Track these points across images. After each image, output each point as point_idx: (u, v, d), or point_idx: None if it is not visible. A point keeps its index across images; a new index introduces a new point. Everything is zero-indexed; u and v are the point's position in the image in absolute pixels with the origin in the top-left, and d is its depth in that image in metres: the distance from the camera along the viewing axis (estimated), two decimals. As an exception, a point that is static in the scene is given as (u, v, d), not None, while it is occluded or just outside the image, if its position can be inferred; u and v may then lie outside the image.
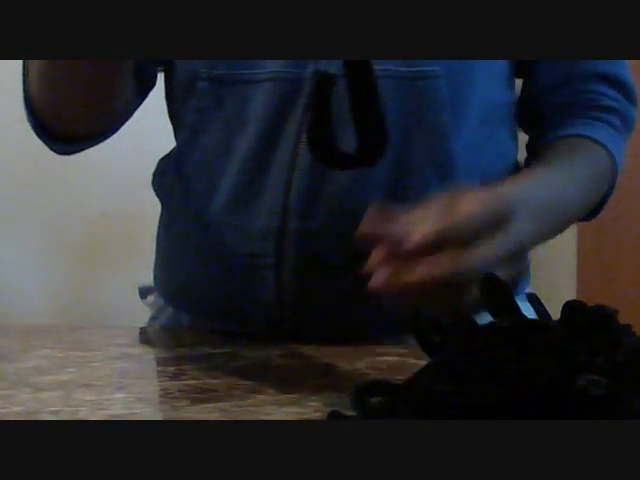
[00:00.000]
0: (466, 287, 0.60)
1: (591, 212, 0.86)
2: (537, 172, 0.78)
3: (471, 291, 0.59)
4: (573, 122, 0.82)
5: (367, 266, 0.61)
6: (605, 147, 0.81)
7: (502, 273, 0.60)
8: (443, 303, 0.61)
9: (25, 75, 0.82)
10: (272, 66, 0.75)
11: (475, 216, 0.61)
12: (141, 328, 0.87)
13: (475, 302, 0.60)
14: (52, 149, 0.85)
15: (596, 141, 0.81)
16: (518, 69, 0.85)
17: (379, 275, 0.60)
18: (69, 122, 0.82)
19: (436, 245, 0.59)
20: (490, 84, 0.79)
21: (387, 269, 0.60)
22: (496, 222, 0.61)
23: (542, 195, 0.71)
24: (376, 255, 0.61)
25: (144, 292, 0.94)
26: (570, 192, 0.76)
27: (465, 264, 0.59)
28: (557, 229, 0.77)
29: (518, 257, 0.65)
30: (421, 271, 0.59)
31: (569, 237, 2.25)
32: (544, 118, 0.85)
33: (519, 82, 0.87)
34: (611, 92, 0.84)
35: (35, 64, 0.77)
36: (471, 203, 0.61)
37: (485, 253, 0.60)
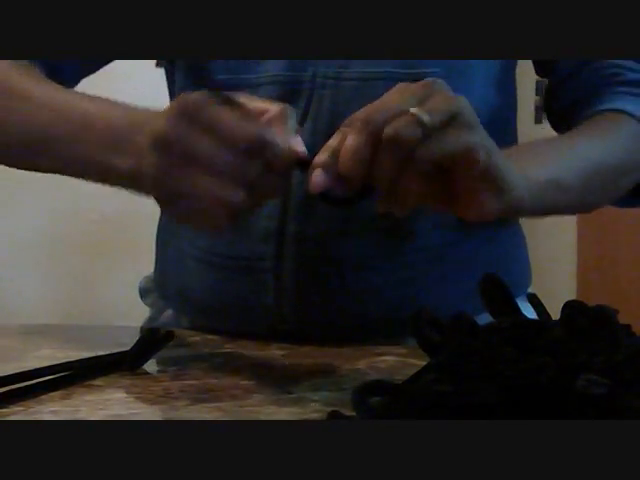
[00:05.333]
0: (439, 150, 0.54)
1: (630, 197, 0.81)
2: (552, 140, 0.73)
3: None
4: (597, 101, 0.79)
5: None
6: (630, 114, 0.77)
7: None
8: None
9: None
10: (271, 69, 0.75)
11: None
12: (141, 328, 0.87)
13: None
14: None
15: (623, 112, 0.77)
16: (540, 68, 0.84)
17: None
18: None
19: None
20: (487, 87, 0.79)
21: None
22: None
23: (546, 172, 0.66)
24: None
25: (144, 292, 0.94)
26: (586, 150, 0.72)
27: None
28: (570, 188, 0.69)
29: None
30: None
31: (569, 237, 2.24)
32: (570, 105, 0.82)
33: (520, 84, 0.86)
34: (633, 64, 0.80)
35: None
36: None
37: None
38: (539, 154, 0.69)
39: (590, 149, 0.73)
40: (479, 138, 0.55)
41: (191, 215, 0.57)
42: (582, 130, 0.75)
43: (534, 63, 0.85)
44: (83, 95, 0.69)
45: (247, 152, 0.54)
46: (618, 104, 0.77)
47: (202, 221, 0.57)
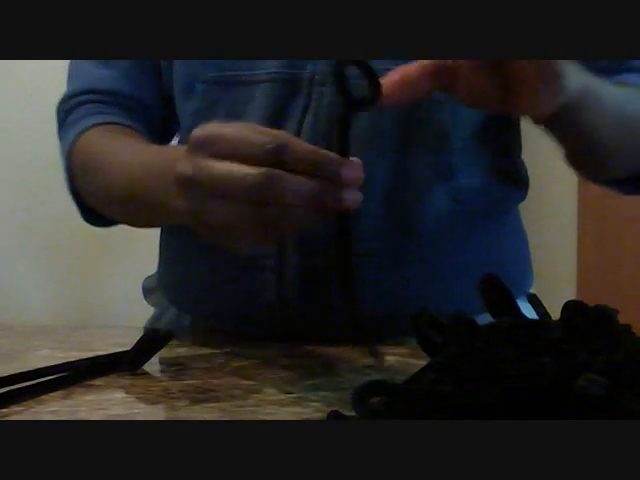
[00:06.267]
0: None
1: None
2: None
3: None
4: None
5: None
6: None
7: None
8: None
9: (70, 177, 0.85)
10: (270, 67, 0.75)
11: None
12: (145, 328, 0.87)
13: None
14: (86, 220, 0.88)
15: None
16: None
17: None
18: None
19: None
20: None
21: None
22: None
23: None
24: None
25: (148, 292, 0.94)
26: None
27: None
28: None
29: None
30: None
31: (569, 237, 2.24)
32: None
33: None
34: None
35: (93, 188, 0.82)
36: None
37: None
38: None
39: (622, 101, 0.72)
40: None
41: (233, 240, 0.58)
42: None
43: None
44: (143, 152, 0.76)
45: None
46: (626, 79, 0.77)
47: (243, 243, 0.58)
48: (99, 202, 0.82)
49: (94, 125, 0.83)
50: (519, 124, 0.86)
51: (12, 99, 2.16)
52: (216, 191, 0.54)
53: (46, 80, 1.88)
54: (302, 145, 0.54)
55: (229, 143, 0.54)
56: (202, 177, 0.54)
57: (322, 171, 0.53)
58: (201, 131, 0.56)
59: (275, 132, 0.55)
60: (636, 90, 0.75)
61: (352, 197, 0.54)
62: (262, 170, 0.52)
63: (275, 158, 0.53)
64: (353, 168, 0.54)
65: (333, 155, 0.54)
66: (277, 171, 0.53)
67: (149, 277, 0.95)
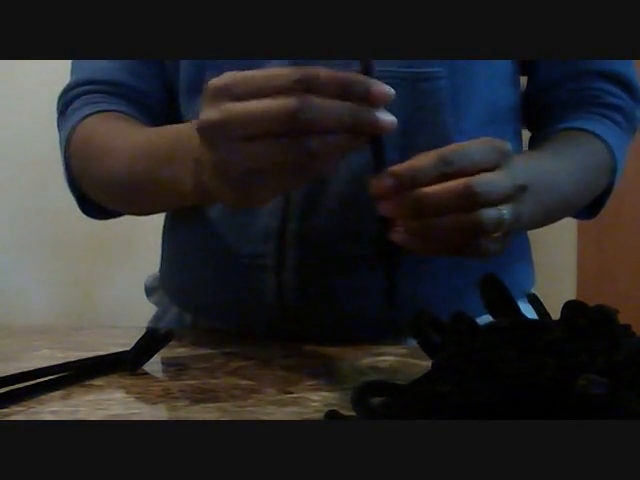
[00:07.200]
0: (478, 219, 0.58)
1: (590, 209, 0.85)
2: (531, 155, 0.78)
3: (484, 226, 0.58)
4: (575, 117, 0.82)
5: (373, 189, 0.58)
6: (604, 141, 0.81)
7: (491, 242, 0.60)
8: (457, 240, 0.60)
9: (67, 163, 0.84)
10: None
11: (477, 144, 0.60)
12: (147, 327, 0.87)
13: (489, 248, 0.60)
14: (85, 212, 0.87)
15: (595, 135, 0.81)
16: (522, 67, 0.85)
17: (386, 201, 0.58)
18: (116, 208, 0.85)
19: (441, 171, 0.58)
20: (493, 85, 0.79)
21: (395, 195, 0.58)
22: (499, 155, 0.60)
23: (538, 176, 0.71)
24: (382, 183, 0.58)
25: (150, 291, 0.94)
26: (562, 178, 0.76)
27: (474, 182, 0.57)
28: (549, 215, 0.77)
29: (509, 232, 0.62)
30: (429, 190, 0.57)
31: (569, 237, 2.24)
32: (547, 115, 0.85)
33: (524, 81, 0.87)
34: (615, 90, 0.84)
35: (88, 169, 0.81)
36: (472, 141, 0.60)
37: (494, 177, 0.59)
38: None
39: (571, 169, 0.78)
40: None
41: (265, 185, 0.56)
42: (562, 149, 0.80)
43: (521, 61, 0.86)
44: (151, 131, 0.75)
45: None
46: (593, 127, 0.81)
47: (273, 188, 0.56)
48: (99, 189, 0.81)
49: (94, 113, 0.82)
50: (520, 125, 0.86)
51: (13, 99, 2.16)
52: (250, 130, 0.53)
53: (47, 80, 1.88)
54: (327, 71, 0.53)
55: (252, 82, 0.53)
56: (232, 119, 0.53)
57: (352, 93, 0.53)
58: (219, 79, 0.55)
59: (295, 68, 0.54)
60: (590, 140, 0.81)
61: (386, 117, 0.55)
62: (295, 98, 0.52)
63: (303, 86, 0.52)
64: (381, 86, 0.54)
65: (360, 76, 0.54)
66: (310, 96, 0.52)
67: (151, 276, 0.95)
